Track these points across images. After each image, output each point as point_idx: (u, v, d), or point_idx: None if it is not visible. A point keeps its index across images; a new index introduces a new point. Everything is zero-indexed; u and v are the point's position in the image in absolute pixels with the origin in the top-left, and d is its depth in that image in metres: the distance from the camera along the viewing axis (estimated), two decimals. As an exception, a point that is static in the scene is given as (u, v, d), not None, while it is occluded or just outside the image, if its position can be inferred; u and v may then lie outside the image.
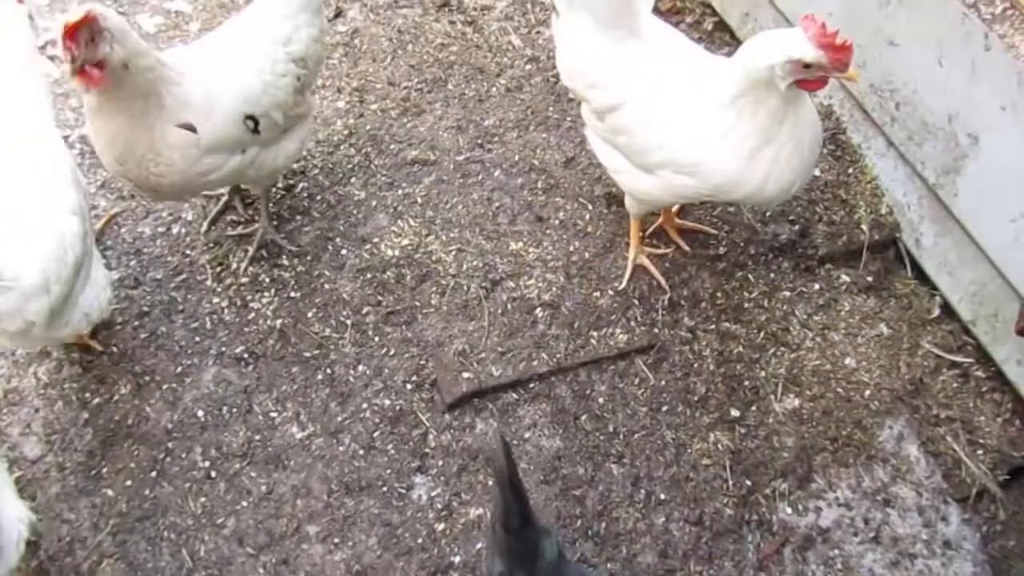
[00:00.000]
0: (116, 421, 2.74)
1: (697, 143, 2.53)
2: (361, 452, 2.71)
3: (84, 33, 2.23)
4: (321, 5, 2.94)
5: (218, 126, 2.60)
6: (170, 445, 2.70)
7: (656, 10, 4.26)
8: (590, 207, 3.29)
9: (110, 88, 2.38)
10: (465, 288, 3.03)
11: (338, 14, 4.08)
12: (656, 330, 3.00)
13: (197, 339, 2.92)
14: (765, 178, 2.50)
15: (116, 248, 3.16)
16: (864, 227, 3.32)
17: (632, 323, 2.99)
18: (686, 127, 2.55)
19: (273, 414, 2.77)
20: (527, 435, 2.77)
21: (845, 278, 3.26)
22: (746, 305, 3.12)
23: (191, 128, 2.53)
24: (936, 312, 3.19)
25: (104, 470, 2.66)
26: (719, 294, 3.13)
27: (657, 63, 2.67)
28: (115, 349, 2.90)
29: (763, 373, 2.99)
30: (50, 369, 2.87)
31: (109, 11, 2.32)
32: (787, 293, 3.18)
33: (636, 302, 3.04)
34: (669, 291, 3.04)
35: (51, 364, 2.88)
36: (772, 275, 3.21)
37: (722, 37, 4.27)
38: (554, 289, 3.03)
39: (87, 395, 2.80)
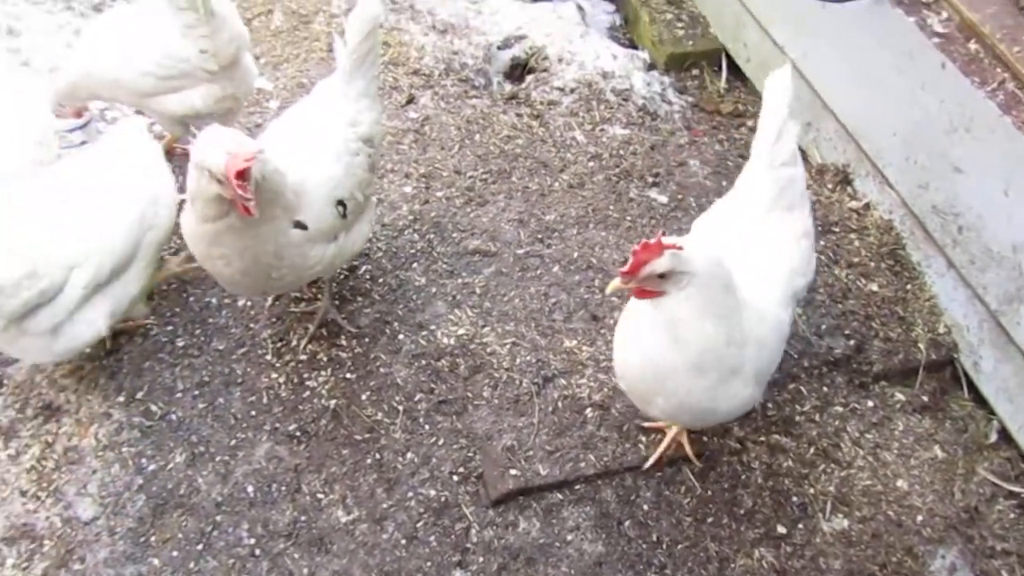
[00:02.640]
0: (168, 489, 2.80)
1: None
2: (403, 542, 2.72)
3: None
4: (378, 91, 3.08)
5: (320, 216, 2.69)
6: (218, 518, 2.74)
7: (719, 112, 4.42)
8: (645, 308, 3.33)
9: (243, 221, 2.45)
10: (517, 383, 3.06)
11: (410, 100, 4.25)
12: (705, 439, 2.99)
13: (253, 413, 2.99)
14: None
15: (183, 316, 3.27)
16: (921, 346, 3.29)
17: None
18: None
19: (320, 495, 2.80)
20: (569, 537, 2.76)
21: (900, 396, 3.22)
22: (797, 418, 3.10)
23: (303, 226, 2.61)
24: (993, 438, 3.13)
25: (152, 538, 2.70)
26: (770, 405, 3.11)
27: None
28: (174, 416, 2.98)
29: (812, 490, 2.94)
30: (110, 431, 2.96)
31: (244, 138, 2.42)
32: (840, 408, 3.15)
33: (686, 408, 3.04)
34: (700, 465, 2.95)
35: (112, 425, 2.97)
36: (825, 389, 3.18)
37: (782, 143, 4.34)
38: (605, 390, 3.05)
39: (143, 460, 2.88)
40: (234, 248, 2.56)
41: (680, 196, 3.81)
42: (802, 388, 3.17)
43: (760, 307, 2.46)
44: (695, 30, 4.79)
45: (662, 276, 2.17)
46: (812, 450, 3.03)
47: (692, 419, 2.65)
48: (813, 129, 4.04)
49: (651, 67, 4.69)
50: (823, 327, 3.31)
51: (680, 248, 2.14)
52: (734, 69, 4.64)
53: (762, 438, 3.03)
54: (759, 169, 2.71)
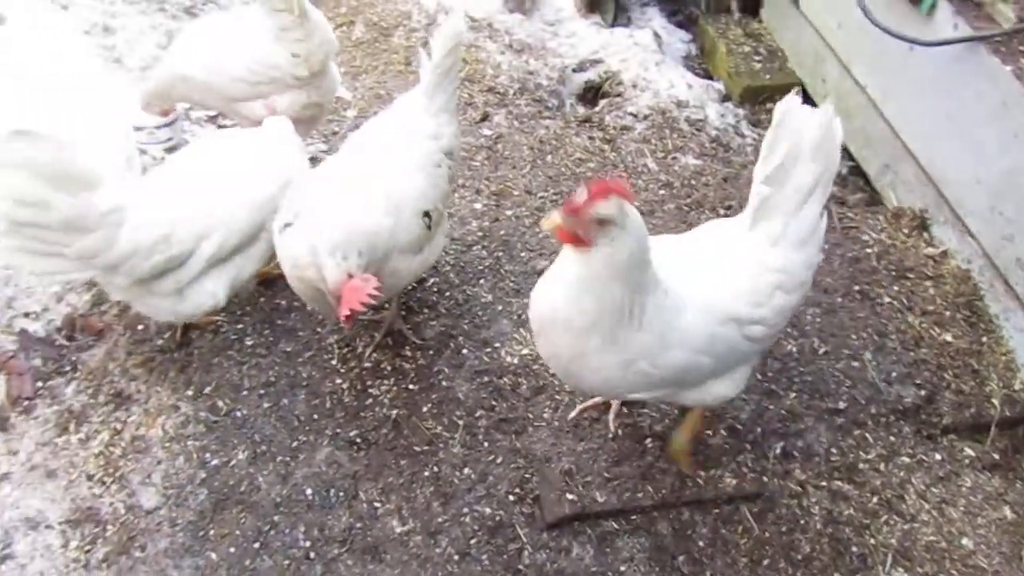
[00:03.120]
0: (230, 485, 2.85)
1: None
2: (456, 557, 2.71)
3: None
4: (456, 106, 3.12)
5: (409, 228, 2.74)
6: (276, 518, 2.78)
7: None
8: (710, 341, 3.29)
9: None
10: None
11: (484, 118, 4.29)
12: (765, 479, 2.93)
13: (315, 416, 3.03)
14: None
15: (253, 316, 3.34)
16: (995, 401, 3.20)
17: (743, 468, 2.93)
18: None
19: (377, 504, 2.82)
20: (623, 568, 2.72)
21: (969, 452, 3.12)
22: (861, 466, 3.03)
23: None
24: (1066, 503, 3.01)
25: (211, 532, 2.75)
26: (834, 450, 3.04)
27: None
28: (239, 414, 3.04)
29: (873, 541, 2.87)
30: (177, 423, 3.02)
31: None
32: (906, 459, 3.07)
33: (748, 447, 2.99)
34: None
35: (179, 418, 3.03)
36: (892, 438, 3.11)
37: (856, 182, 4.29)
38: (667, 421, 3.02)
39: (207, 455, 2.93)
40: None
41: (751, 230, 3.77)
42: (868, 435, 3.10)
43: (686, 305, 2.37)
44: (773, 64, 4.77)
45: (601, 223, 2.10)
46: (875, 500, 2.95)
47: (561, 372, 2.53)
48: (891, 171, 3.97)
49: (726, 98, 4.67)
50: (893, 374, 3.24)
51: (627, 198, 2.09)
52: (810, 104, 4.59)
53: (824, 483, 2.96)
54: (753, 185, 2.55)
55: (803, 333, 3.35)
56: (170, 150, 3.93)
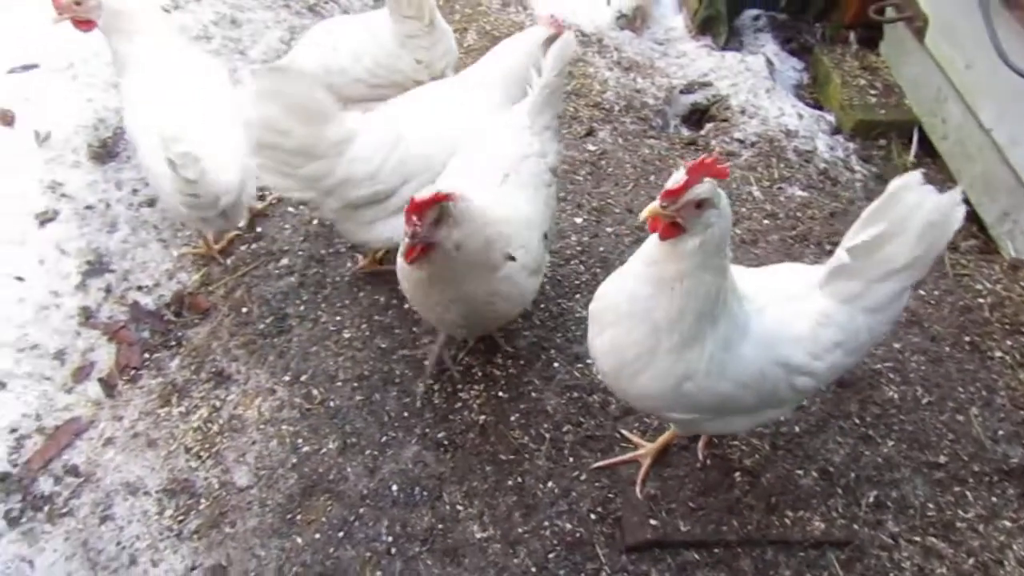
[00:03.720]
0: (319, 473, 2.92)
1: None
2: (533, 570, 2.71)
3: (432, 214, 2.30)
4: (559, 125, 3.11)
5: (535, 251, 2.74)
6: (361, 510, 2.83)
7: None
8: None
9: (438, 263, 2.46)
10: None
11: (589, 133, 4.30)
12: (856, 527, 2.84)
13: (405, 414, 3.07)
14: None
15: (352, 309, 3.42)
16: (1107, 472, 3.02)
17: (833, 513, 2.85)
18: None
19: (460, 507, 2.84)
20: (700, 601, 2.68)
21: (1077, 522, 2.96)
22: (959, 524, 2.90)
23: (512, 258, 2.65)
24: None
25: (299, 517, 2.82)
26: (931, 505, 2.92)
27: None
28: (332, 404, 3.11)
29: (965, 604, 2.74)
30: (273, 407, 3.11)
31: (460, 192, 2.40)
32: (1007, 523, 2.92)
33: (840, 491, 2.90)
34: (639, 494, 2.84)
35: (275, 402, 3.13)
36: (994, 499, 2.96)
37: (969, 228, 4.12)
38: (757, 456, 2.96)
39: (299, 441, 3.01)
40: (443, 297, 2.62)
41: (856, 269, 3.67)
42: (968, 493, 2.96)
43: (749, 331, 2.30)
44: (889, 99, 4.64)
45: (699, 205, 2.06)
46: (971, 562, 2.82)
47: (614, 374, 2.42)
48: (1010, 220, 3.80)
49: (836, 131, 4.56)
50: (1000, 432, 3.09)
51: (723, 176, 2.06)
52: (925, 144, 4.45)
53: (917, 538, 2.85)
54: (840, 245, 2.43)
55: (906, 380, 3.23)
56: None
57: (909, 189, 2.29)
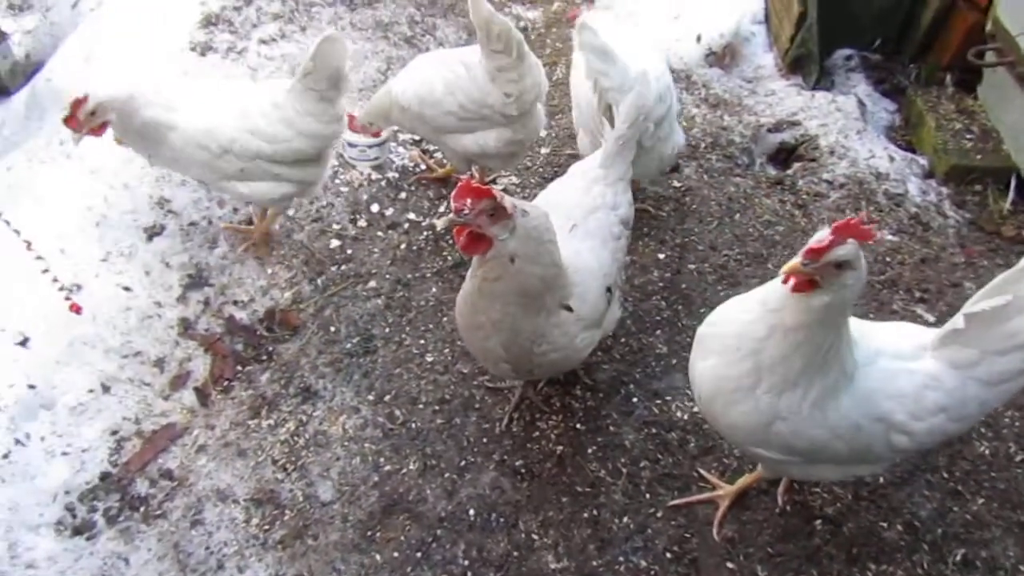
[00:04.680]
0: (400, 493, 2.99)
1: None
2: (606, 604, 2.72)
3: (486, 204, 2.25)
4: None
5: (593, 305, 2.70)
6: (439, 532, 2.89)
7: (999, 235, 4.12)
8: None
9: (495, 274, 2.42)
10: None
11: (675, 169, 4.31)
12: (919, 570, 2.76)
13: (485, 440, 3.13)
14: None
15: (435, 333, 3.51)
16: None
17: (918, 569, 2.77)
18: None
19: (535, 536, 2.87)
20: (776, 650, 2.64)
21: None
22: (1048, 594, 2.78)
23: (569, 308, 2.64)
24: None
25: (378, 535, 2.89)
26: (1022, 568, 2.81)
27: None
28: (414, 425, 3.19)
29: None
30: (356, 425, 3.21)
31: (531, 207, 2.39)
32: (1105, 594, 2.79)
33: (926, 547, 2.82)
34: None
35: (359, 420, 3.22)
36: (1090, 568, 2.84)
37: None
38: (839, 505, 2.90)
39: (381, 460, 3.09)
40: (491, 315, 2.55)
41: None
42: (1063, 559, 2.84)
43: (853, 381, 2.29)
44: (985, 144, 4.51)
45: (839, 266, 2.03)
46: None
47: (708, 398, 2.45)
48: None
49: (929, 175, 4.46)
50: (1100, 497, 2.96)
51: (868, 239, 2.03)
52: (1023, 191, 4.31)
53: (1007, 602, 2.75)
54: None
55: (999, 436, 3.13)
56: (377, 168, 4.22)
57: None
